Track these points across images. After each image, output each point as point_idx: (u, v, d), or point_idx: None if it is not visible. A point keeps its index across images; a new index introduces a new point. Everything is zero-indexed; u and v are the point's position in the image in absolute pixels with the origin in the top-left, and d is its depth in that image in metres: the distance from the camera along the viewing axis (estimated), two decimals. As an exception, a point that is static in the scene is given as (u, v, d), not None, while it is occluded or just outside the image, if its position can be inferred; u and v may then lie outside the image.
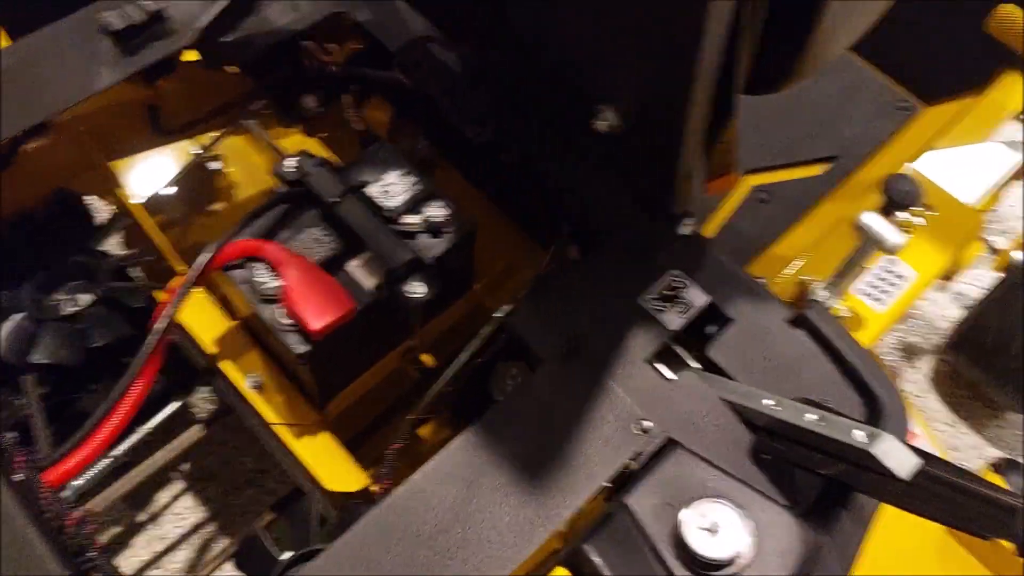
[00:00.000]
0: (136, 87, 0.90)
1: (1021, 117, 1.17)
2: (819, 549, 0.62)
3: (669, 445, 0.69)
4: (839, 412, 0.68)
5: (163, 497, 1.30)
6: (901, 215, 0.94)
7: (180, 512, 1.29)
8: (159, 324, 0.76)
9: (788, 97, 1.21)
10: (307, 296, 0.77)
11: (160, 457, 1.04)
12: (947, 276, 1.12)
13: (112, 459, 1.04)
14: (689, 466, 0.66)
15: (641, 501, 0.63)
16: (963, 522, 0.56)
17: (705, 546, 0.58)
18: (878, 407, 0.73)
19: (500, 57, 0.79)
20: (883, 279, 0.92)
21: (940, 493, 0.56)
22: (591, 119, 0.69)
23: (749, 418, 0.70)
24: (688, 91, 0.59)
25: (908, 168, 1.03)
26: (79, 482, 1.02)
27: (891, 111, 1.20)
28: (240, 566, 0.86)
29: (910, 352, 1.58)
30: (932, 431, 1.52)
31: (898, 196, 0.91)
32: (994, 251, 1.35)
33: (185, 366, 0.97)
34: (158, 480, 1.31)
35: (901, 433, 0.72)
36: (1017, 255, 1.33)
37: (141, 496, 1.30)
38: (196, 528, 1.27)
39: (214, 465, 1.33)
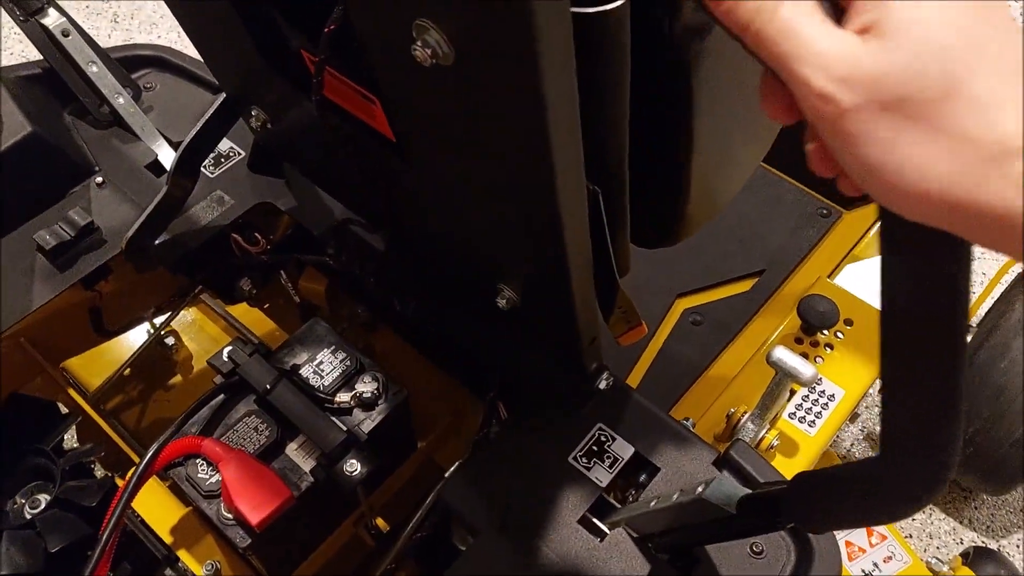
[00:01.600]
0: (75, 292, 0.93)
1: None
2: None
3: (600, 609, 0.70)
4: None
5: (143, 676, 1.28)
6: (820, 334, 0.97)
7: None
8: (104, 537, 0.77)
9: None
10: (245, 490, 0.79)
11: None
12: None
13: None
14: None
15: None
16: (771, 526, 0.60)
17: None
18: (808, 545, 0.74)
19: (410, 239, 0.83)
20: (812, 400, 0.95)
21: (758, 511, 0.59)
22: (494, 297, 0.73)
23: (651, 531, 0.72)
24: (566, 270, 0.63)
25: (825, 280, 1.07)
26: None
27: (813, 219, 1.24)
28: None
29: (876, 442, 1.59)
30: (908, 521, 1.52)
31: (814, 319, 0.95)
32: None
33: (151, 554, 0.98)
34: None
35: (836, 567, 0.74)
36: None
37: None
38: None
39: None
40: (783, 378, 0.82)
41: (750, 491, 0.60)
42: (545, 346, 0.80)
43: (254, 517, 0.77)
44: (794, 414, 0.94)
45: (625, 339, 0.83)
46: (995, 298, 1.36)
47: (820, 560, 0.73)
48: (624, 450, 0.80)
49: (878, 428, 1.57)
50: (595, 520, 0.77)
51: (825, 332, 0.99)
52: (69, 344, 1.03)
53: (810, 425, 0.93)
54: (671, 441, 0.81)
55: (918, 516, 1.52)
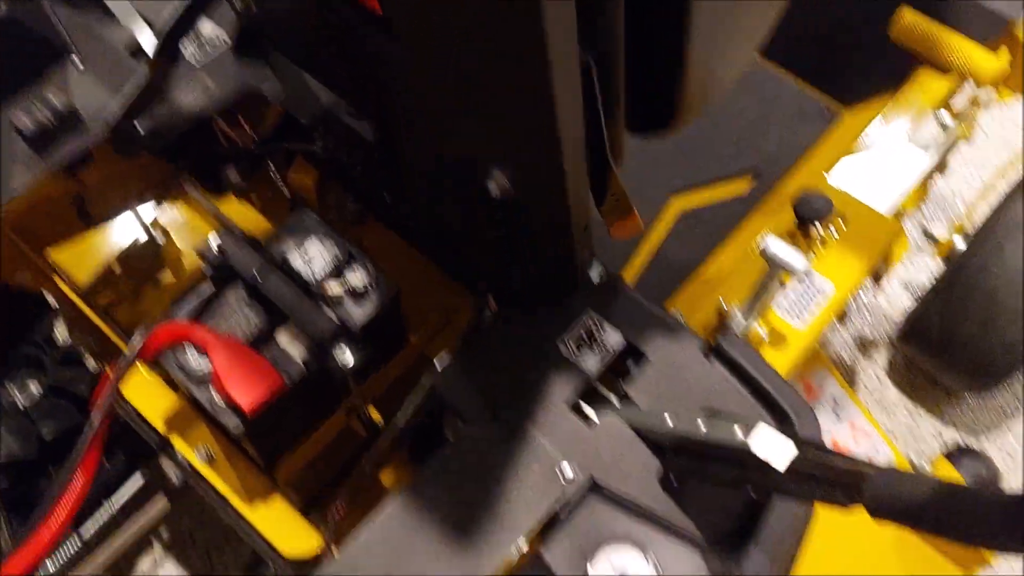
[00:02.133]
0: (58, 180, 0.92)
1: (936, 113, 1.20)
2: (729, 578, 0.65)
3: (589, 490, 0.71)
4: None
5: (145, 564, 1.32)
6: (814, 231, 0.96)
7: (163, 578, 1.31)
8: (94, 419, 0.78)
9: (708, 114, 1.24)
10: (235, 376, 0.79)
11: (128, 533, 1.07)
12: (876, 279, 1.15)
13: (83, 544, 1.07)
14: (600, 511, 0.68)
15: (554, 550, 0.65)
16: (830, 498, 0.57)
17: (612, 593, 0.61)
18: (791, 426, 0.75)
19: (401, 127, 0.81)
20: (802, 295, 0.95)
21: (812, 473, 0.58)
22: (484, 181, 0.72)
23: (657, 441, 0.73)
24: (558, 150, 0.62)
25: (822, 179, 1.06)
26: (52, 569, 1.05)
27: (811, 118, 1.22)
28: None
29: (865, 345, 1.61)
30: (892, 419, 1.54)
31: (808, 213, 0.94)
32: (935, 240, 1.37)
33: (145, 444, 0.99)
34: (139, 547, 1.33)
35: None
36: (958, 242, 1.35)
37: (125, 566, 1.32)
38: (179, 593, 1.30)
39: (191, 526, 1.35)
40: (774, 269, 0.82)
41: (796, 450, 0.58)
42: (536, 234, 0.79)
43: (245, 403, 0.78)
44: (783, 307, 0.94)
45: (618, 230, 0.82)
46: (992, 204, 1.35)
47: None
48: (614, 339, 0.80)
49: (868, 332, 1.58)
50: (585, 407, 0.78)
51: (819, 228, 0.99)
52: (55, 234, 1.01)
53: (799, 319, 0.93)
54: (661, 331, 0.81)
55: (902, 416, 1.54)
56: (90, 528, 1.06)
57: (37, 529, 0.76)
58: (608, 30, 0.58)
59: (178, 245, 1.25)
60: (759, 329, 0.90)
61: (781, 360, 0.91)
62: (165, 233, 1.23)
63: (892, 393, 1.56)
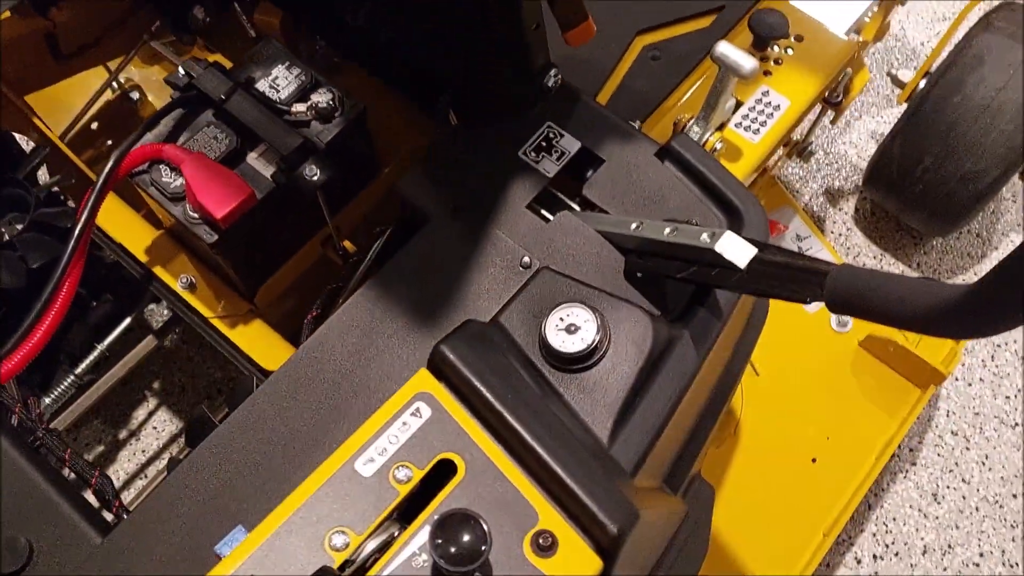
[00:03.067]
0: (30, 20, 0.93)
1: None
2: (675, 339, 0.69)
3: (542, 270, 0.75)
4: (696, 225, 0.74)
5: (140, 414, 1.38)
6: (770, 51, 0.98)
7: (157, 426, 1.37)
8: (79, 225, 0.81)
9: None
10: (208, 188, 0.82)
11: (120, 368, 1.12)
12: (834, 105, 1.17)
13: (76, 377, 1.12)
14: (555, 283, 0.72)
15: (512, 318, 0.69)
16: (790, 293, 0.60)
17: (563, 343, 0.65)
18: (739, 217, 0.79)
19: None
20: (758, 111, 0.97)
21: (772, 273, 0.61)
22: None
23: (620, 244, 0.77)
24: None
25: (784, 6, 1.07)
26: (48, 400, 1.11)
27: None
28: (191, 443, 0.94)
29: (834, 195, 1.64)
30: (857, 263, 1.58)
31: (763, 30, 0.96)
32: (901, 84, 1.39)
33: (132, 287, 1.04)
34: (133, 399, 1.39)
35: (762, 234, 0.79)
36: (921, 84, 1.37)
37: (119, 416, 1.38)
38: (174, 438, 1.36)
39: (183, 379, 1.40)
40: (726, 73, 0.84)
41: (756, 251, 0.61)
42: (490, 41, 0.81)
43: (218, 211, 0.81)
44: (740, 124, 0.97)
45: (573, 37, 0.85)
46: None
47: (749, 230, 0.78)
48: (571, 145, 0.84)
49: (837, 183, 1.60)
50: (546, 209, 0.82)
51: (775, 48, 1.01)
52: (31, 75, 1.03)
53: (754, 133, 0.96)
54: (616, 136, 0.84)
55: (867, 260, 1.59)
56: (84, 368, 1.11)
57: (31, 327, 0.81)
58: None
59: (154, 105, 1.27)
60: (713, 139, 0.93)
61: (735, 171, 0.94)
62: (140, 92, 1.25)
63: (858, 239, 1.60)
